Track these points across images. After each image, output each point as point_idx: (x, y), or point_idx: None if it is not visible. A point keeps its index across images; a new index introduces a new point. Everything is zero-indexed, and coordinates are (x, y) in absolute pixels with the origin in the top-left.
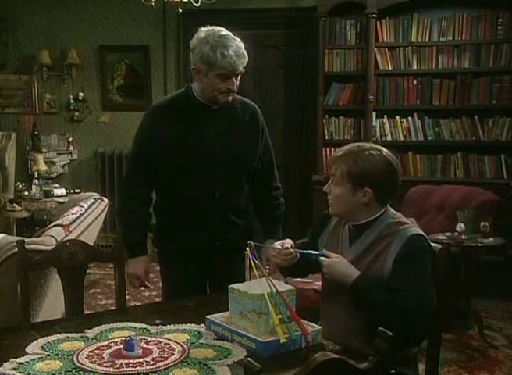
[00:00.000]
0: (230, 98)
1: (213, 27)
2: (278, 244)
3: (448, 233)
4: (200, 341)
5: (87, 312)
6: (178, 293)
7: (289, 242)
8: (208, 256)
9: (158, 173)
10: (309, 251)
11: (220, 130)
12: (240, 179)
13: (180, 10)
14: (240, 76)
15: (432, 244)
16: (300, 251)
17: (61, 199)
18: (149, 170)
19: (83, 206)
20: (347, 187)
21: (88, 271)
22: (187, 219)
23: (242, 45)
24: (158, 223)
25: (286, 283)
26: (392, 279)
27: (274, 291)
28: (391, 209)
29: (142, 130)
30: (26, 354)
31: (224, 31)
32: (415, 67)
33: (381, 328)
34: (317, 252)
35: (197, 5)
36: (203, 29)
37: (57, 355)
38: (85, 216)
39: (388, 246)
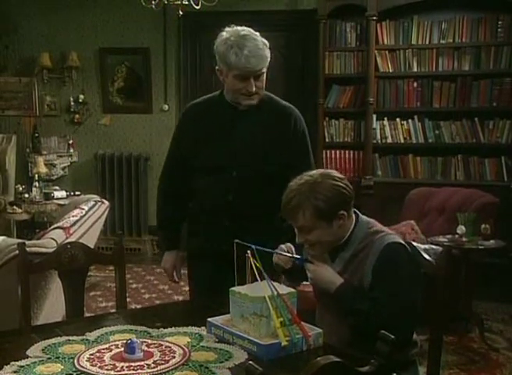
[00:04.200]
0: (253, 101)
1: (236, 27)
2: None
3: (449, 236)
4: (201, 344)
5: (87, 314)
6: (201, 293)
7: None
8: (223, 258)
9: (189, 170)
10: (294, 255)
11: (245, 132)
12: (259, 183)
13: (181, 12)
14: (262, 77)
15: (433, 247)
16: (284, 253)
17: (61, 201)
18: (179, 168)
19: (83, 209)
20: (323, 226)
21: (89, 273)
22: (205, 220)
23: (262, 46)
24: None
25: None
26: (373, 289)
27: (275, 293)
28: (364, 217)
29: (176, 128)
30: (27, 357)
31: (245, 31)
32: (415, 69)
33: (383, 331)
34: (301, 257)
35: (198, 7)
36: (227, 29)
37: (58, 358)
38: (85, 219)
39: (365, 258)
